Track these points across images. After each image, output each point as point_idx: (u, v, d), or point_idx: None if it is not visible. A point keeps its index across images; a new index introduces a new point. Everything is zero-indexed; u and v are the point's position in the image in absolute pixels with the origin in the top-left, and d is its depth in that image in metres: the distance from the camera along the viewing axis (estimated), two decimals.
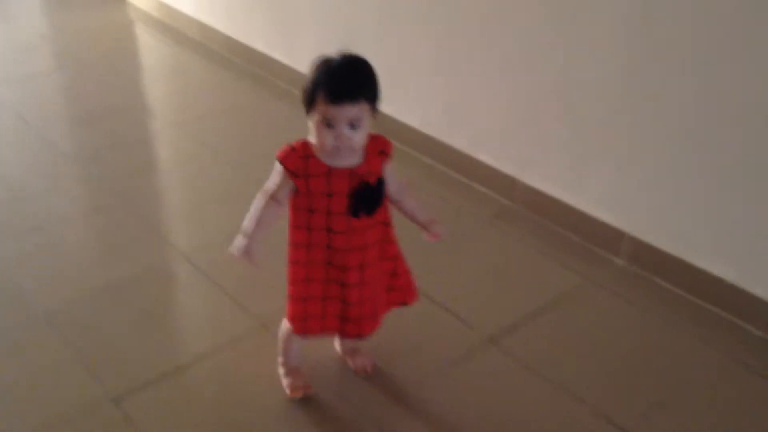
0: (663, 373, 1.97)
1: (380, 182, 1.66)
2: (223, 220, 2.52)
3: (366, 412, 1.83)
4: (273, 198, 1.65)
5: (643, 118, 2.21)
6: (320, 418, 1.81)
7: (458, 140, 2.85)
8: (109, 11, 4.70)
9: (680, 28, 2.04)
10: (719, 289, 2.17)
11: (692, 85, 2.06)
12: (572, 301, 2.23)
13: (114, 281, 2.29)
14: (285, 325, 1.83)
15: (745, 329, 2.12)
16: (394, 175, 1.71)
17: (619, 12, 2.16)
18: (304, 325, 1.76)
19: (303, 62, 1.62)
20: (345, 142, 1.56)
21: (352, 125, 1.55)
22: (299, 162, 1.61)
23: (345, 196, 1.63)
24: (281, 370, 1.89)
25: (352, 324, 1.77)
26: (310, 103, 1.57)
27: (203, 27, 4.13)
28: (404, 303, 1.86)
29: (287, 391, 1.86)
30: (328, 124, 1.55)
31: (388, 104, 3.01)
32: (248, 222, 1.65)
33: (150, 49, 4.25)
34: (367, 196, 1.64)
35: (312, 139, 1.62)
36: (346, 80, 1.55)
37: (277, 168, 1.64)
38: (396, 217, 1.76)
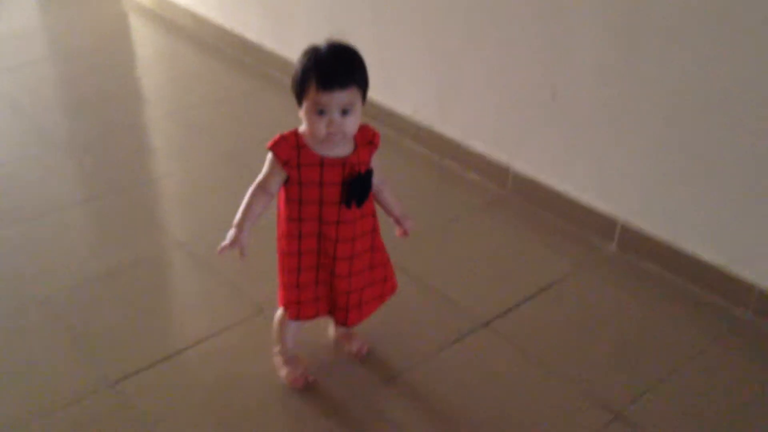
0: (654, 356, 2.00)
1: (370, 172, 1.68)
2: (218, 208, 2.53)
3: (360, 395, 1.85)
4: (263, 188, 1.66)
5: (633, 105, 2.23)
6: (315, 401, 1.83)
7: (451, 129, 2.87)
8: (103, 1, 4.69)
9: (666, 13, 2.06)
10: (709, 274, 2.19)
11: (679, 70, 2.09)
12: (564, 286, 2.25)
13: (110, 268, 2.30)
14: (279, 313, 1.85)
15: (735, 313, 2.15)
16: (378, 166, 1.73)
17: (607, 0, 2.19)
18: (297, 309, 1.78)
19: (296, 51, 1.64)
20: (337, 128, 1.57)
21: (344, 111, 1.57)
22: (291, 152, 1.62)
23: (337, 186, 1.65)
24: (278, 360, 1.90)
25: (339, 311, 1.81)
26: (300, 91, 1.58)
27: (196, 17, 4.13)
28: (388, 295, 1.89)
29: (286, 381, 1.87)
30: (319, 111, 1.56)
31: (380, 93, 3.05)
32: (239, 213, 1.66)
33: (143, 39, 4.25)
34: (360, 186, 1.66)
35: (303, 128, 1.63)
36: (336, 66, 1.56)
37: (268, 158, 1.65)
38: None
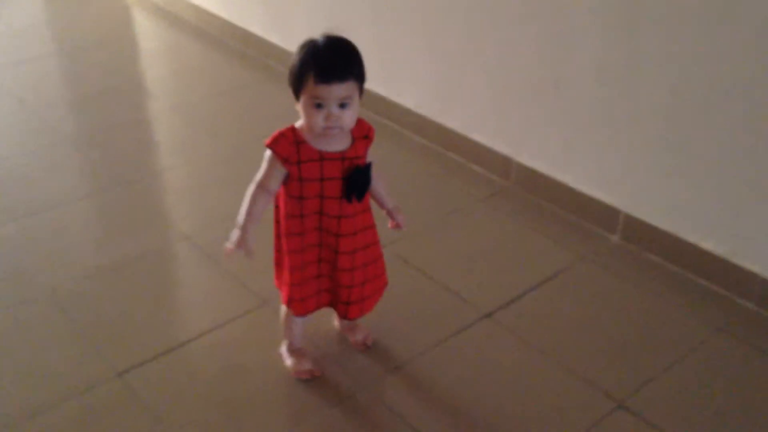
0: (656, 346, 2.01)
1: (370, 166, 1.68)
2: (223, 200, 2.55)
3: (365, 385, 1.87)
4: (263, 187, 1.66)
5: (635, 96, 2.24)
6: (320, 392, 1.85)
7: (453, 121, 2.87)
8: None
9: (666, 7, 2.06)
10: (712, 264, 2.20)
11: (680, 62, 2.09)
12: (567, 277, 2.26)
13: (116, 261, 2.32)
14: (284, 308, 1.86)
15: (738, 303, 2.15)
16: (373, 160, 1.74)
17: None
18: (303, 306, 1.79)
19: (298, 44, 1.64)
20: (335, 122, 1.57)
21: (342, 105, 1.57)
22: (290, 148, 1.62)
23: (338, 180, 1.65)
24: (284, 350, 1.92)
25: (341, 305, 1.82)
26: (298, 84, 1.58)
27: (199, 10, 4.13)
28: (382, 291, 1.89)
29: (291, 372, 1.88)
30: (317, 104, 1.56)
31: (383, 86, 3.06)
32: (242, 214, 1.67)
33: (147, 33, 4.25)
34: (360, 180, 1.67)
35: (299, 124, 1.64)
36: (335, 60, 1.57)
37: (267, 156, 1.65)
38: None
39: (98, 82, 3.58)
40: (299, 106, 1.61)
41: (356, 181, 1.66)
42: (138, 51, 4.05)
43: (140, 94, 3.52)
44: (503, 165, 2.72)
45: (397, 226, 1.87)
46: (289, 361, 1.89)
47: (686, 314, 2.12)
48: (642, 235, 2.35)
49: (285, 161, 1.62)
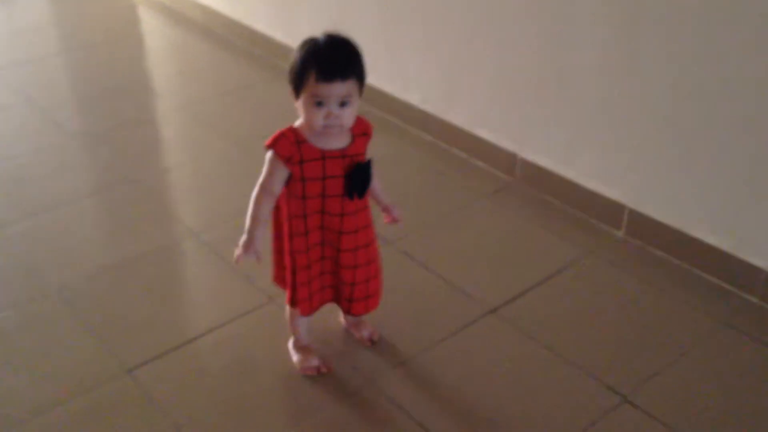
0: (661, 340, 2.02)
1: (371, 163, 1.69)
2: (230, 198, 2.58)
3: (371, 381, 1.88)
4: (267, 190, 1.66)
5: (639, 91, 2.24)
6: (326, 387, 1.86)
7: (457, 117, 2.88)
8: None
9: (670, 1, 2.07)
10: (717, 259, 2.21)
11: (684, 57, 2.09)
12: (572, 272, 2.27)
13: (124, 258, 2.34)
14: (289, 309, 1.87)
15: (743, 297, 2.16)
16: (374, 156, 1.74)
17: None
18: (309, 304, 1.81)
19: (299, 42, 1.65)
20: (335, 120, 1.58)
21: (342, 103, 1.57)
22: (292, 148, 1.62)
23: (339, 178, 1.66)
24: (291, 346, 1.94)
25: (344, 301, 1.84)
26: (299, 83, 1.58)
27: (205, 9, 4.15)
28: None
29: (298, 368, 1.90)
30: (318, 103, 1.56)
31: (388, 82, 3.07)
32: (248, 219, 1.68)
33: (153, 31, 4.27)
34: (362, 177, 1.68)
35: (298, 123, 1.64)
36: (335, 58, 1.57)
37: (269, 158, 1.65)
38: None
39: (105, 81, 3.60)
40: (298, 105, 1.62)
41: (358, 178, 1.67)
42: (144, 50, 4.07)
43: (147, 93, 3.54)
44: (508, 161, 2.73)
45: (394, 221, 1.88)
46: (295, 357, 1.91)
47: (690, 308, 2.13)
48: (647, 230, 2.36)
49: (287, 161, 1.63)
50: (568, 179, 2.55)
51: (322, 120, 1.58)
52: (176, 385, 1.88)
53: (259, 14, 3.78)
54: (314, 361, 1.89)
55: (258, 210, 1.67)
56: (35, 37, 4.16)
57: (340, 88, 1.56)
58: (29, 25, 4.32)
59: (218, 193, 2.69)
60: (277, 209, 1.74)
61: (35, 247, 2.41)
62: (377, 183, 1.82)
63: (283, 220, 1.74)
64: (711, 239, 2.21)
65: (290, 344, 1.94)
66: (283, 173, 1.65)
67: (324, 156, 1.64)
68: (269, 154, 1.64)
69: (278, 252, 1.82)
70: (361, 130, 1.70)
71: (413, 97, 3.04)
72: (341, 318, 2.03)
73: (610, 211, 2.44)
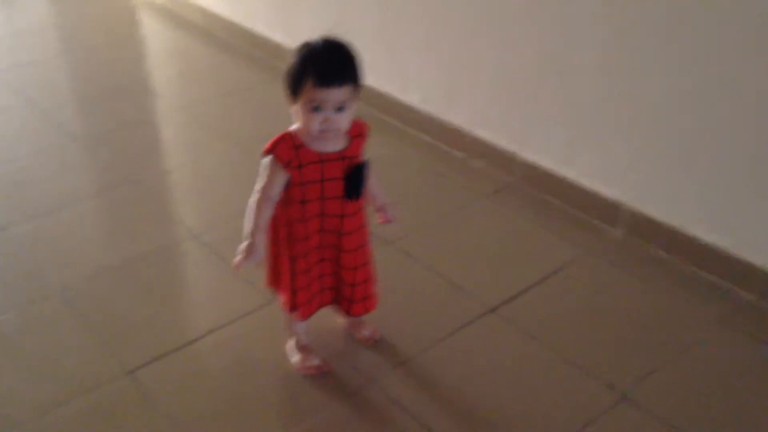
0: (659, 338, 2.02)
1: (367, 163, 1.70)
2: (230, 199, 2.58)
3: (372, 380, 1.89)
4: (266, 196, 1.66)
5: (637, 91, 2.25)
6: (327, 387, 1.87)
7: (457, 117, 2.89)
8: None
9: (669, 1, 2.08)
10: (715, 257, 2.22)
11: (684, 55, 2.10)
12: (570, 271, 2.28)
13: (125, 259, 2.35)
14: (287, 313, 1.87)
15: (739, 295, 2.17)
16: (372, 157, 1.75)
17: None
18: (308, 309, 1.81)
19: (296, 47, 1.65)
20: (332, 125, 1.58)
21: (339, 108, 1.57)
22: (291, 152, 1.62)
23: (339, 180, 1.67)
24: (290, 347, 1.94)
25: (344, 301, 1.85)
26: (296, 88, 1.57)
27: (205, 12, 4.16)
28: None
29: (297, 369, 1.90)
30: (315, 108, 1.56)
31: (388, 83, 3.08)
32: (249, 226, 1.67)
33: (153, 34, 4.28)
34: (360, 178, 1.68)
35: (294, 127, 1.64)
36: (333, 64, 1.56)
37: (266, 163, 1.64)
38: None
39: (106, 83, 3.62)
40: (294, 109, 1.61)
41: (357, 179, 1.68)
42: (144, 52, 4.08)
43: (147, 95, 3.55)
44: (507, 161, 2.74)
45: (388, 221, 1.88)
46: (296, 358, 1.92)
47: (689, 307, 2.14)
48: (644, 229, 2.37)
49: (287, 165, 1.63)
50: (565, 178, 2.56)
51: (319, 125, 1.58)
52: (177, 386, 1.89)
53: (258, 16, 3.80)
54: (315, 361, 1.90)
55: (258, 216, 1.67)
56: (35, 38, 4.17)
57: (337, 94, 1.55)
58: (29, 27, 4.34)
59: (219, 194, 2.70)
60: (275, 218, 1.73)
61: (36, 249, 2.42)
62: (374, 183, 1.82)
63: (279, 226, 1.73)
64: (709, 238, 2.22)
65: (289, 345, 1.95)
66: (282, 178, 1.65)
67: (322, 159, 1.64)
68: (267, 159, 1.64)
69: (273, 257, 1.81)
70: (357, 132, 1.70)
71: (413, 97, 3.05)
72: (341, 318, 2.04)
73: (607, 210, 2.45)
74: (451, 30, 2.78)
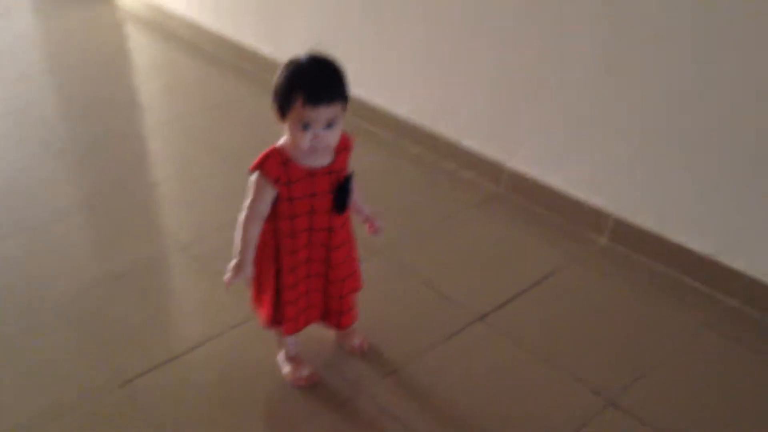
0: (645, 345, 2.05)
1: (351, 176, 1.71)
2: (218, 211, 2.59)
3: (362, 390, 1.90)
4: (256, 213, 1.66)
5: (623, 102, 2.28)
6: (317, 397, 1.88)
7: (445, 128, 2.91)
8: (100, 10, 4.74)
9: (658, 9, 2.11)
10: (698, 264, 2.25)
11: (670, 66, 2.14)
12: (557, 279, 2.30)
13: (115, 271, 2.35)
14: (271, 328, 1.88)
15: (724, 301, 2.20)
16: (356, 169, 1.77)
17: None
18: (295, 324, 1.82)
19: (283, 63, 1.66)
20: (322, 142, 1.58)
21: (329, 125, 1.58)
22: (279, 168, 1.63)
23: (327, 194, 1.68)
24: (281, 358, 1.95)
25: (333, 315, 1.87)
26: (285, 106, 1.57)
27: (192, 25, 4.18)
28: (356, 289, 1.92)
29: (288, 380, 1.91)
30: (304, 126, 1.56)
31: (376, 95, 3.10)
32: (238, 244, 1.68)
33: (140, 47, 4.29)
34: (348, 191, 1.70)
35: (281, 142, 1.64)
36: (322, 82, 1.56)
37: (255, 180, 1.64)
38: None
39: (93, 97, 3.62)
40: (283, 126, 1.61)
41: (346, 192, 1.69)
42: (132, 65, 4.08)
43: (135, 108, 3.56)
44: (495, 171, 2.76)
45: (375, 232, 1.90)
46: (286, 369, 1.93)
47: (673, 312, 2.17)
48: (630, 237, 2.39)
49: (276, 182, 1.63)
50: (553, 188, 2.59)
51: (309, 142, 1.58)
52: (168, 398, 1.89)
53: (246, 29, 3.81)
54: (305, 372, 1.91)
55: (247, 233, 1.67)
56: (22, 54, 4.17)
57: (326, 112, 1.55)
58: (16, 43, 4.33)
59: (206, 206, 2.71)
60: (262, 235, 1.73)
61: (25, 262, 2.42)
62: (357, 195, 1.82)
63: (267, 240, 1.72)
64: (693, 245, 2.25)
65: (280, 356, 1.95)
66: (271, 194, 1.65)
67: (310, 174, 1.65)
68: (255, 176, 1.64)
69: (258, 272, 1.77)
70: (343, 145, 1.70)
71: (401, 109, 3.07)
72: (330, 331, 2.05)
73: (594, 218, 2.48)
74: (440, 42, 2.80)
